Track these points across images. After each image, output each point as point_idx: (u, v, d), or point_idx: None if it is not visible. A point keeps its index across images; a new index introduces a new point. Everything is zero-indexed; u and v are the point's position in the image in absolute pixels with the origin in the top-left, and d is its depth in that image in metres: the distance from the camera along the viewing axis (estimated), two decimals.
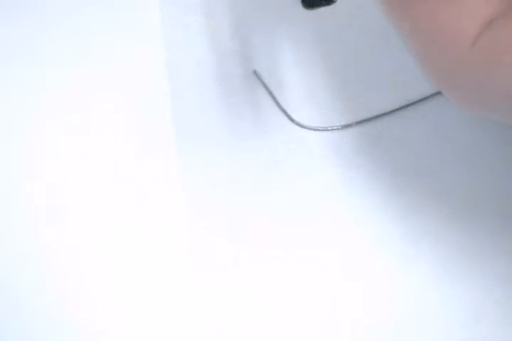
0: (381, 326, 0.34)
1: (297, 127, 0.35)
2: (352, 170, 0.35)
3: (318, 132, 0.35)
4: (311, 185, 0.35)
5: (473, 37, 0.25)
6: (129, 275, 0.33)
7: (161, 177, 0.34)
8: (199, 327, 0.33)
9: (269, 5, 0.35)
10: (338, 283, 0.34)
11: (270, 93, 0.35)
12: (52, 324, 0.33)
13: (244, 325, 0.33)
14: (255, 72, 0.35)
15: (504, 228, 0.34)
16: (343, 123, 0.35)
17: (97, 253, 0.34)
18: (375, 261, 0.34)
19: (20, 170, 0.34)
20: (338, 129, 0.35)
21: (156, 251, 0.33)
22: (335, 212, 0.35)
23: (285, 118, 0.35)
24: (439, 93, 0.35)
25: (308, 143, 0.35)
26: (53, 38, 0.34)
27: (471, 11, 0.25)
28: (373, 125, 0.35)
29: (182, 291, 0.33)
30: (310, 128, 0.35)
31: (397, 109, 0.35)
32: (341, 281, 0.34)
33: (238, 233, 0.34)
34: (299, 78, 0.35)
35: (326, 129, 0.35)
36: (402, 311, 0.34)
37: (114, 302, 0.33)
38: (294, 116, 0.35)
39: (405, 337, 0.34)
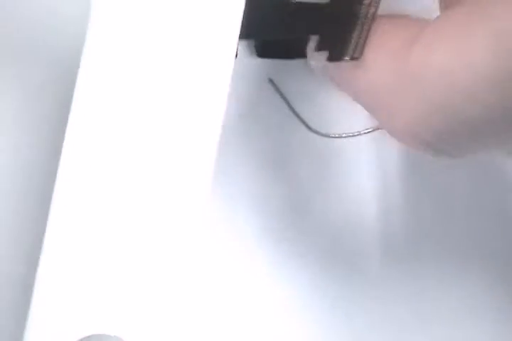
0: (380, 326, 0.34)
1: (314, 135, 0.34)
2: (370, 176, 0.34)
3: (335, 139, 0.34)
4: (326, 190, 0.34)
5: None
6: None
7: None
8: None
9: None
10: (337, 283, 0.34)
11: (286, 101, 0.34)
12: None
13: None
14: (271, 80, 0.34)
15: (503, 226, 0.34)
16: (361, 129, 0.34)
17: None
18: (374, 261, 0.34)
19: None
20: (355, 136, 0.34)
21: None
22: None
23: (301, 126, 0.33)
24: None
25: (326, 150, 0.34)
26: None
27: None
28: None
29: None
30: (328, 136, 0.34)
31: None
32: (339, 280, 0.34)
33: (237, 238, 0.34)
34: (315, 86, 0.34)
35: (344, 136, 0.34)
36: (401, 312, 0.34)
37: None
38: (310, 124, 0.34)
39: (404, 337, 0.34)
